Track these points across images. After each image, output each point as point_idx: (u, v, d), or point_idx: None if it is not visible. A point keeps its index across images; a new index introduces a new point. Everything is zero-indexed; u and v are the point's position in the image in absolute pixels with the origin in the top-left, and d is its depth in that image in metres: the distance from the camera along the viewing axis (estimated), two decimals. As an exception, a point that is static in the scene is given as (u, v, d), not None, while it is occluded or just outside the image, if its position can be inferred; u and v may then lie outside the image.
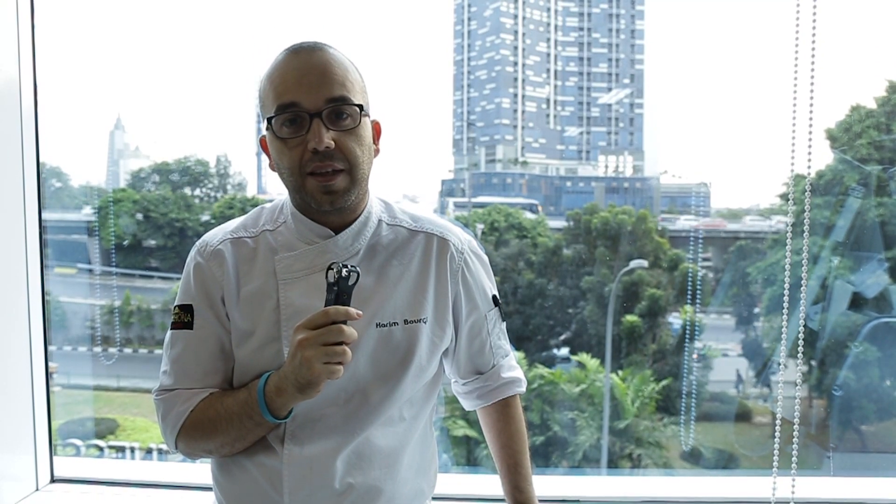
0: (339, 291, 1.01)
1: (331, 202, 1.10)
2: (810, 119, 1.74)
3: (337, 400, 1.13)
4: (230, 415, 1.10)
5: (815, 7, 1.72)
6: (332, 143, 1.06)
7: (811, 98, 1.73)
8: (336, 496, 1.13)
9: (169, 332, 1.18)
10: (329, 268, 1.02)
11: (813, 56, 1.70)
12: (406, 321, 1.16)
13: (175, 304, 1.18)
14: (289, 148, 1.08)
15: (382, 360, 1.15)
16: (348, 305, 1.01)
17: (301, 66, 1.08)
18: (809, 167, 1.76)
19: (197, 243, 1.21)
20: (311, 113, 1.06)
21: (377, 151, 1.18)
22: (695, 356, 13.15)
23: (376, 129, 1.18)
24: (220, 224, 1.24)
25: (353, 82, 1.11)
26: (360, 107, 1.10)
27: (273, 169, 1.14)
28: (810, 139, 1.74)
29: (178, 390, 1.15)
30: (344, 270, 1.01)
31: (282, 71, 1.09)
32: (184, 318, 1.16)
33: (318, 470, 1.12)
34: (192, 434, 1.13)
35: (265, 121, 1.11)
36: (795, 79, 1.75)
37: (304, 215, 1.16)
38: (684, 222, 17.42)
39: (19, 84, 1.95)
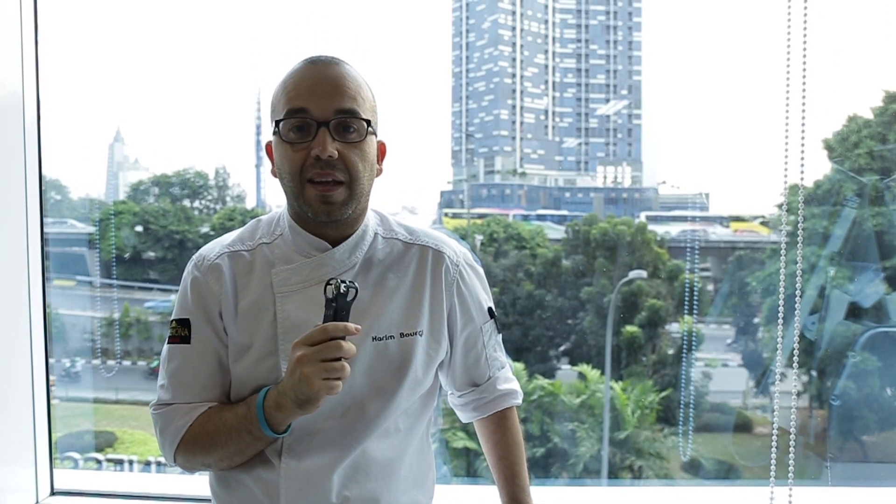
0: (338, 307, 1.01)
1: (327, 213, 1.11)
2: (802, 130, 1.76)
3: (334, 413, 1.13)
4: (229, 429, 1.10)
5: (805, 18, 1.75)
6: (336, 153, 1.08)
7: (803, 109, 1.75)
8: None
9: (166, 347, 1.18)
10: (328, 283, 1.02)
11: (804, 68, 1.73)
12: (402, 334, 1.17)
13: (172, 317, 1.18)
14: (293, 152, 1.10)
15: (378, 373, 1.16)
16: (346, 321, 1.02)
17: (315, 75, 1.11)
18: (802, 177, 1.78)
19: (194, 257, 1.21)
20: (319, 121, 1.08)
21: (380, 171, 1.19)
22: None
23: (381, 150, 1.20)
24: (219, 236, 1.24)
25: (365, 99, 1.13)
26: (368, 122, 1.12)
27: (275, 175, 1.15)
28: (803, 150, 1.76)
29: (177, 405, 1.15)
30: (342, 286, 1.01)
31: (296, 78, 1.11)
32: (181, 332, 1.16)
33: (315, 483, 1.12)
34: (190, 448, 1.14)
35: (273, 123, 1.12)
36: (788, 90, 1.77)
37: (302, 227, 1.16)
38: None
39: (23, 98, 1.97)
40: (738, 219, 17.43)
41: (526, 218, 20.54)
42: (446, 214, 21.90)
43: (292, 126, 1.09)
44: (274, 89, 1.14)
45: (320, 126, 1.08)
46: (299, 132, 1.09)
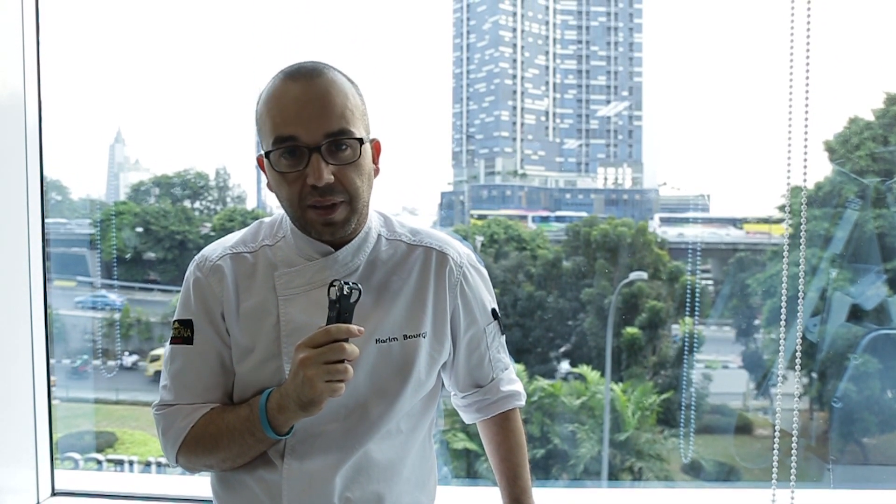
0: (341, 309, 1.01)
1: (331, 233, 1.10)
2: (805, 132, 1.75)
3: (337, 415, 1.13)
4: (231, 431, 1.10)
5: (807, 19, 1.75)
6: (332, 177, 1.05)
7: (806, 111, 1.75)
8: None
9: (168, 347, 1.18)
10: (331, 285, 1.01)
11: (806, 69, 1.72)
12: (405, 336, 1.16)
13: (174, 318, 1.18)
14: (287, 182, 1.06)
15: (382, 375, 1.15)
16: (350, 323, 1.01)
17: (299, 96, 1.04)
18: (805, 179, 1.78)
19: (196, 258, 1.20)
20: (310, 147, 1.04)
21: (377, 171, 1.16)
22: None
23: (376, 149, 1.17)
24: (219, 237, 1.24)
25: (353, 109, 1.08)
26: (360, 140, 1.07)
27: (270, 189, 1.13)
28: (805, 152, 1.76)
29: (179, 405, 1.15)
30: (346, 288, 1.00)
31: (279, 100, 1.05)
32: (183, 332, 1.15)
33: (317, 485, 1.12)
34: (193, 449, 1.13)
35: (263, 150, 1.09)
36: (791, 92, 1.77)
37: (304, 232, 1.15)
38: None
39: (24, 98, 1.97)
40: (745, 220, 17.45)
41: (545, 219, 20.57)
42: (472, 216, 21.99)
43: (283, 154, 1.05)
44: (257, 107, 1.09)
45: (312, 152, 1.04)
46: (291, 158, 1.05)
